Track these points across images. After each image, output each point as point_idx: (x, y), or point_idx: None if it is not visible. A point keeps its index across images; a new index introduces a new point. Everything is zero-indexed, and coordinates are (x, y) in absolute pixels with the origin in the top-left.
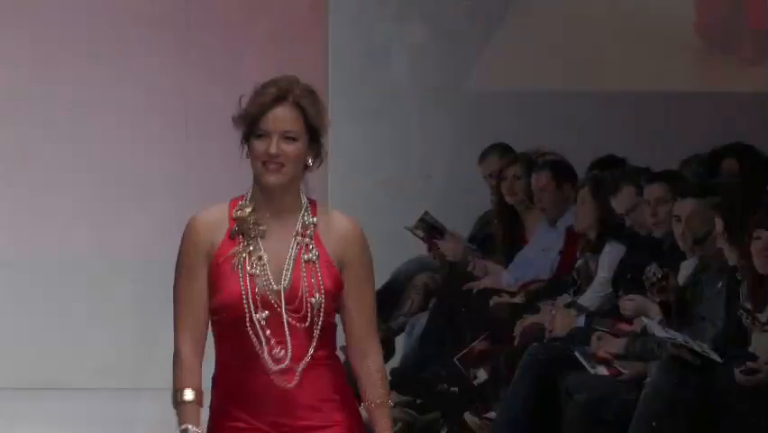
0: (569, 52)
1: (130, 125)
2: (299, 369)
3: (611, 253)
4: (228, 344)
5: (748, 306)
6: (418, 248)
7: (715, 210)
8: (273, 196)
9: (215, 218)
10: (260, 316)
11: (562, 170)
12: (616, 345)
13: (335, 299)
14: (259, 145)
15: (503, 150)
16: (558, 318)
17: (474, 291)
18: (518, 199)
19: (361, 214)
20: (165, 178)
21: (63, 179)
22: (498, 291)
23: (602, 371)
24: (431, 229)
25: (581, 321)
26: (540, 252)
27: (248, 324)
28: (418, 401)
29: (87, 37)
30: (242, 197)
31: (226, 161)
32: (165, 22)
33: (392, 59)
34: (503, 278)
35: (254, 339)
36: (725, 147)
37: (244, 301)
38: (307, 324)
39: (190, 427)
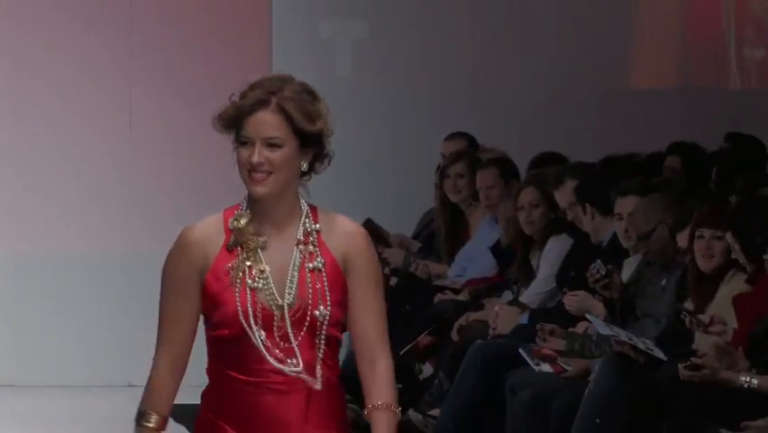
0: (514, 49)
1: (73, 115)
2: (319, 374)
3: (553, 250)
4: (227, 362)
5: (690, 305)
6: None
7: (658, 208)
8: (266, 205)
9: (209, 231)
10: (261, 333)
11: (507, 168)
12: (559, 343)
13: (344, 307)
14: (242, 153)
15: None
16: (502, 316)
17: (418, 289)
18: (462, 197)
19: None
20: (109, 167)
21: (2, 173)
22: (442, 288)
23: (546, 368)
24: (374, 236)
25: (525, 319)
26: (484, 249)
27: (253, 339)
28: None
29: (31, 27)
30: (237, 206)
31: (170, 150)
32: (109, 11)
33: (336, 55)
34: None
35: (265, 353)
36: (669, 145)
37: (242, 317)
38: (309, 338)
39: None
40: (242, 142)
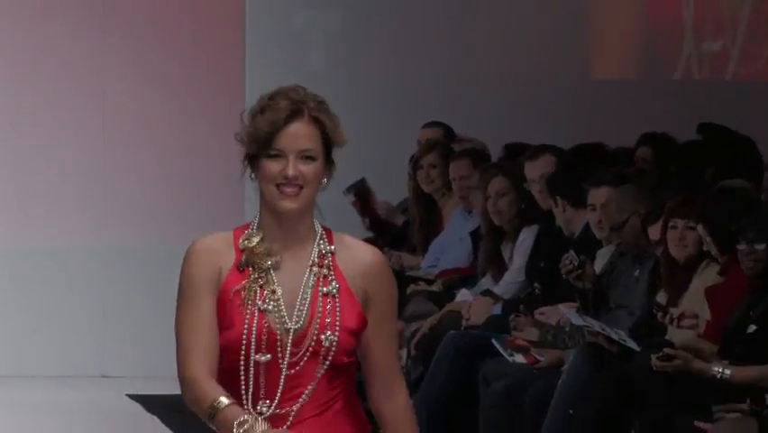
0: (488, 37)
1: (46, 107)
2: (291, 417)
3: (527, 241)
4: (226, 387)
5: (663, 297)
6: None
7: (630, 198)
8: (287, 223)
9: (220, 246)
10: (261, 358)
11: (480, 158)
12: (532, 333)
13: (357, 337)
14: (273, 166)
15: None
16: (475, 307)
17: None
18: (435, 187)
19: None
20: (82, 159)
21: None
22: (415, 279)
23: (519, 359)
24: (363, 200)
25: (498, 309)
26: (456, 240)
27: (242, 369)
28: None
29: (2, 21)
30: (248, 225)
31: (144, 142)
32: (81, 3)
33: (309, 48)
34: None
35: (243, 385)
36: (640, 136)
37: (244, 341)
38: (312, 365)
39: (245, 416)
40: (271, 155)
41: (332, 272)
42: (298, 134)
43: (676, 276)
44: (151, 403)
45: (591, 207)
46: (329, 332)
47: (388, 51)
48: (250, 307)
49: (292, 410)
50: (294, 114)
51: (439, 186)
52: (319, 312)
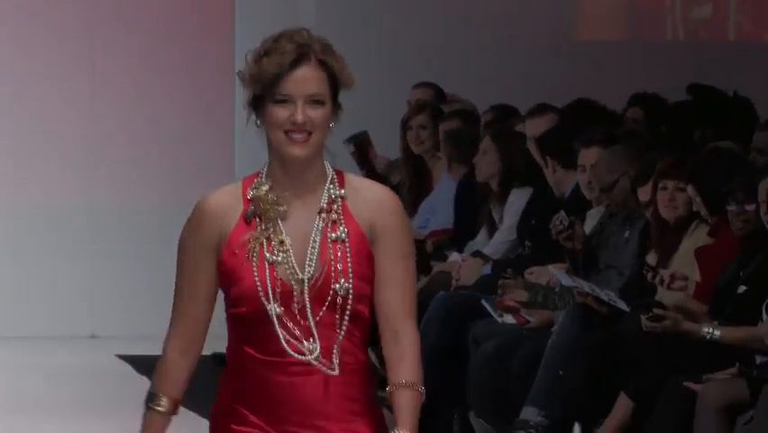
0: (471, 3)
1: (36, 71)
2: (336, 359)
3: (517, 202)
4: (246, 340)
5: (653, 258)
6: None
7: (620, 159)
8: (295, 170)
9: (226, 201)
10: (279, 310)
11: (470, 120)
12: (522, 294)
13: (370, 281)
14: (280, 112)
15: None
16: (465, 267)
17: None
18: (425, 149)
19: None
20: (71, 118)
21: None
22: None
23: (509, 319)
24: (362, 147)
25: (488, 270)
26: (446, 201)
27: (270, 317)
28: None
29: None
30: (257, 174)
31: (133, 106)
32: None
33: (300, 4)
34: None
35: (279, 334)
36: (630, 96)
37: (261, 293)
38: (331, 315)
39: None
40: (278, 100)
41: (341, 217)
42: (306, 78)
43: (666, 237)
44: (141, 364)
45: (581, 168)
46: (342, 279)
47: (379, 9)
48: (256, 260)
49: (331, 365)
50: (300, 57)
51: (429, 147)
52: (332, 259)
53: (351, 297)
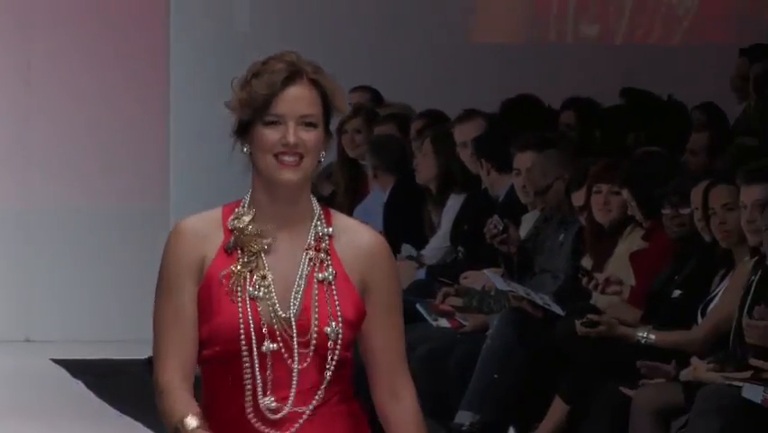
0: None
1: None
2: (305, 415)
3: (454, 207)
4: (217, 384)
5: (588, 262)
6: None
7: (554, 163)
8: (283, 199)
9: (205, 227)
10: (268, 347)
11: (405, 123)
12: (457, 299)
13: (355, 328)
14: (270, 134)
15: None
16: (399, 271)
17: None
18: (360, 152)
19: (204, 158)
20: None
21: None
22: None
23: (444, 323)
24: None
25: (422, 274)
26: (381, 205)
27: (245, 358)
28: None
29: None
30: (238, 202)
31: (68, 107)
32: None
33: (235, 6)
34: None
35: (249, 379)
36: (565, 100)
37: (242, 331)
38: (318, 360)
39: None
40: (268, 122)
41: (329, 257)
42: (298, 98)
43: (601, 241)
44: (76, 368)
45: (516, 172)
46: (333, 323)
47: (315, 11)
48: (240, 294)
49: (305, 410)
50: (292, 75)
51: (364, 151)
52: (316, 301)
53: (340, 341)
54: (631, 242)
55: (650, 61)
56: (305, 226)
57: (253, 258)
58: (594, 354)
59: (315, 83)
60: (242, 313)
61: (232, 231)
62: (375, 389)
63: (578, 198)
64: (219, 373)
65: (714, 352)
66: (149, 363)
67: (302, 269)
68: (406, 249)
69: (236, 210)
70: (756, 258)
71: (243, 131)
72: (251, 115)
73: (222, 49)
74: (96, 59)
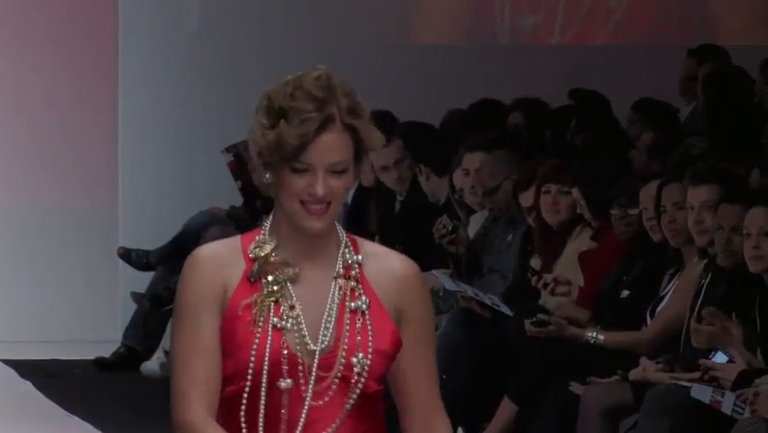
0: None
1: None
2: None
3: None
4: (231, 421)
5: (537, 262)
6: (209, 199)
7: (503, 164)
8: (307, 235)
9: (225, 254)
10: (286, 384)
11: None
12: None
13: (389, 359)
14: (298, 182)
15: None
16: None
17: None
18: None
19: (153, 159)
20: None
21: None
22: None
23: None
24: (240, 158)
25: None
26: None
27: (263, 396)
28: None
29: None
30: (257, 231)
31: (12, 107)
32: None
33: (183, 7)
34: None
35: (262, 419)
36: (513, 100)
37: (251, 364)
38: (342, 394)
39: None
40: (296, 169)
41: (360, 285)
42: (329, 147)
43: (550, 241)
44: (24, 368)
45: (465, 172)
46: (361, 354)
47: (261, 12)
48: (262, 324)
49: None
50: (325, 123)
51: None
52: (347, 331)
53: (365, 374)
54: (580, 242)
55: (597, 62)
56: (331, 254)
57: (279, 287)
58: (543, 355)
59: (348, 127)
60: (259, 346)
61: (254, 259)
62: (407, 426)
63: (525, 199)
64: (233, 410)
65: (663, 352)
66: (96, 364)
67: (332, 298)
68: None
69: (257, 238)
70: (707, 260)
71: (267, 165)
72: (279, 161)
73: (170, 48)
74: (44, 58)
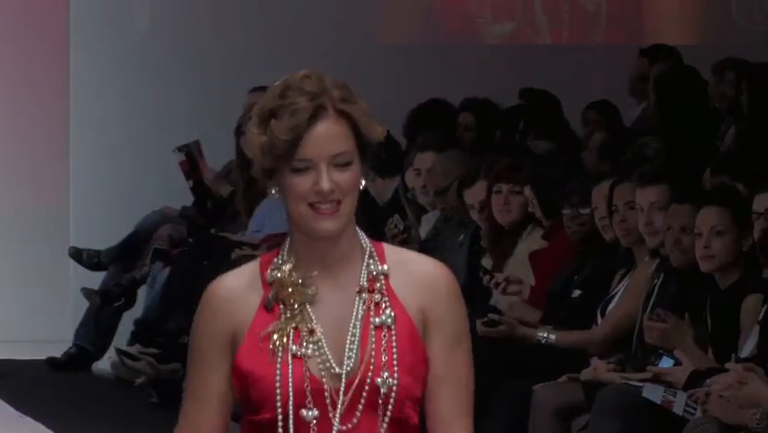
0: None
1: None
2: None
3: None
4: None
5: (488, 262)
6: (161, 199)
7: (454, 163)
8: (325, 246)
9: (241, 287)
10: (310, 414)
11: None
12: None
13: (418, 378)
14: (301, 182)
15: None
16: None
17: (215, 244)
18: None
19: (104, 158)
20: None
21: None
22: (239, 244)
23: None
24: (193, 157)
25: None
26: (280, 205)
27: (291, 427)
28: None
29: None
30: (276, 252)
31: None
32: None
33: (134, 8)
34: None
35: None
36: (462, 101)
37: (278, 396)
38: (371, 418)
39: None
40: (296, 168)
41: (385, 298)
42: (327, 136)
43: (501, 241)
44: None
45: (416, 172)
46: (386, 374)
47: (216, 11)
48: (281, 355)
49: None
50: (317, 112)
51: None
52: (372, 350)
53: (394, 395)
54: (531, 242)
55: (546, 62)
56: (354, 266)
57: (297, 311)
58: (494, 355)
59: (342, 114)
60: (281, 377)
61: (271, 284)
62: None
63: (469, 196)
64: None
65: (614, 352)
66: (48, 364)
67: (356, 315)
68: None
69: (275, 260)
70: (659, 260)
71: (268, 175)
72: (275, 164)
73: (121, 48)
74: None
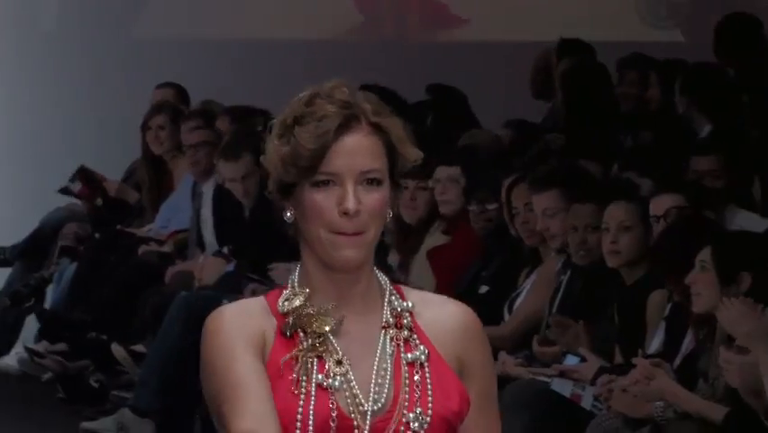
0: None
1: None
2: None
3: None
4: None
5: (395, 260)
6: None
7: None
8: (344, 279)
9: (252, 309)
10: None
11: (211, 119)
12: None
13: (457, 420)
14: (322, 200)
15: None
16: (207, 267)
17: (122, 240)
18: (165, 149)
19: (5, 154)
20: None
21: None
22: (146, 240)
23: None
24: (90, 180)
25: (231, 267)
26: (186, 200)
27: None
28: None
29: None
30: (282, 288)
31: None
32: None
33: (39, 8)
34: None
35: None
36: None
37: (311, 428)
38: None
39: None
40: (318, 182)
41: (414, 335)
42: (357, 150)
43: (407, 239)
44: None
45: None
46: (419, 410)
47: (121, 10)
48: (305, 384)
49: None
50: (348, 121)
51: (169, 147)
52: (406, 387)
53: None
54: (438, 238)
55: (452, 58)
56: (374, 302)
57: (320, 340)
58: None
59: (376, 128)
60: (303, 409)
61: (285, 314)
62: None
63: None
64: None
65: (523, 347)
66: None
67: (383, 350)
68: (212, 245)
69: (284, 293)
70: (565, 257)
71: (285, 191)
72: (296, 178)
73: (26, 48)
74: None
